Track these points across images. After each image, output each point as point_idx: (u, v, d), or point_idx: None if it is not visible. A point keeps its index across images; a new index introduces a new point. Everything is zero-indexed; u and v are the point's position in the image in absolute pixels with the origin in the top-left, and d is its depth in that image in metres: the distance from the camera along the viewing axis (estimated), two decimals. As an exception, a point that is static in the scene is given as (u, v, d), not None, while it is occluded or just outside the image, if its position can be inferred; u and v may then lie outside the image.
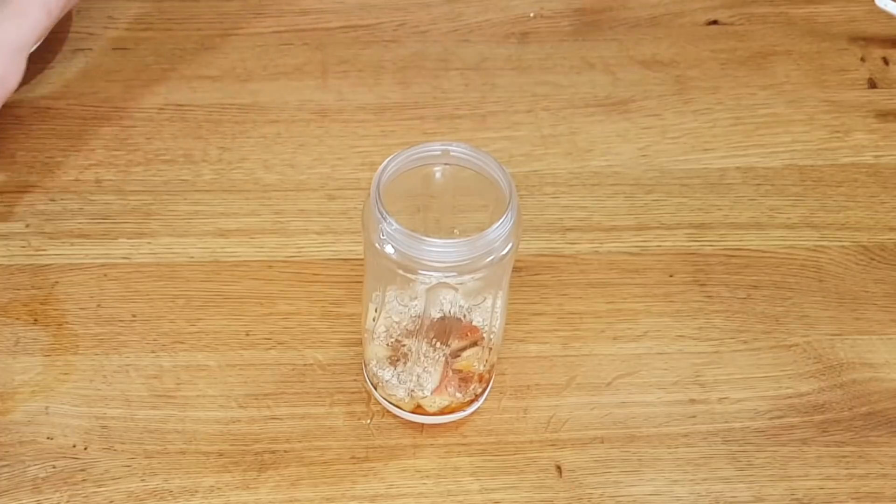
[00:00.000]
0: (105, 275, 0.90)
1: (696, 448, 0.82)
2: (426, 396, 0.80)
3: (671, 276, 0.92)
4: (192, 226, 0.93)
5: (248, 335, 0.87)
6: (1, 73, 0.88)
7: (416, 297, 0.75)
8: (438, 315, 0.76)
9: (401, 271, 0.72)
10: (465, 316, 0.77)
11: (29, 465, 0.80)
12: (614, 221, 0.95)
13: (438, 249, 0.71)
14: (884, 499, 0.81)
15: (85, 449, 0.81)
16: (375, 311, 0.78)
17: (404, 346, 0.78)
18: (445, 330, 0.76)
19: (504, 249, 0.73)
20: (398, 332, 0.78)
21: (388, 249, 0.72)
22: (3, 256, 0.90)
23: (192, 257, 0.91)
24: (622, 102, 0.97)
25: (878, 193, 0.98)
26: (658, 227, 0.94)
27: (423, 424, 0.82)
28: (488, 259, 0.72)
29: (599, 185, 0.97)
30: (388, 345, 0.79)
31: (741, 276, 0.92)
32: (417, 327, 0.77)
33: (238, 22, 1.08)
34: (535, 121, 1.01)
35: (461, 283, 0.73)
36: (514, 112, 1.01)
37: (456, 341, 0.77)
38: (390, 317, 0.77)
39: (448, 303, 0.75)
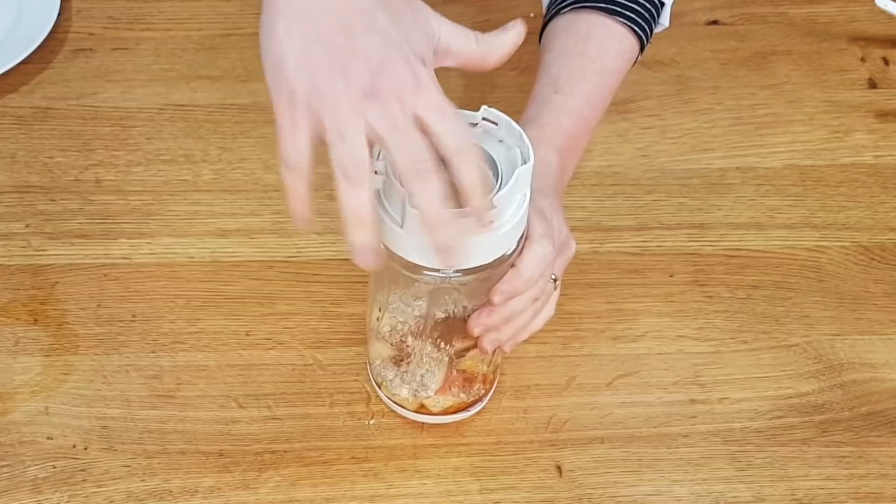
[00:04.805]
0: (105, 275, 0.90)
1: (696, 448, 0.82)
2: (430, 396, 0.80)
3: (671, 276, 0.92)
4: (192, 226, 0.93)
5: (248, 335, 0.87)
6: None
7: (419, 298, 0.75)
8: (442, 315, 0.75)
9: (405, 272, 0.72)
10: (469, 316, 0.77)
11: (29, 465, 0.80)
12: (614, 221, 0.95)
13: None
14: (884, 499, 0.81)
15: (85, 449, 0.81)
16: (379, 310, 0.78)
17: (408, 345, 0.78)
18: (450, 330, 0.76)
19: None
20: (402, 332, 0.78)
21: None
22: (3, 256, 0.90)
23: (192, 257, 0.91)
24: (622, 103, 0.96)
25: (878, 193, 0.98)
26: (658, 228, 0.94)
27: (423, 424, 0.82)
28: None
29: (599, 185, 0.97)
30: (392, 344, 0.79)
31: (741, 276, 0.92)
32: (421, 328, 0.77)
33: (238, 22, 1.08)
34: (535, 121, 1.00)
35: (465, 284, 0.73)
36: (515, 112, 1.01)
37: (460, 342, 0.77)
38: (395, 317, 0.77)
39: (452, 303, 0.75)
